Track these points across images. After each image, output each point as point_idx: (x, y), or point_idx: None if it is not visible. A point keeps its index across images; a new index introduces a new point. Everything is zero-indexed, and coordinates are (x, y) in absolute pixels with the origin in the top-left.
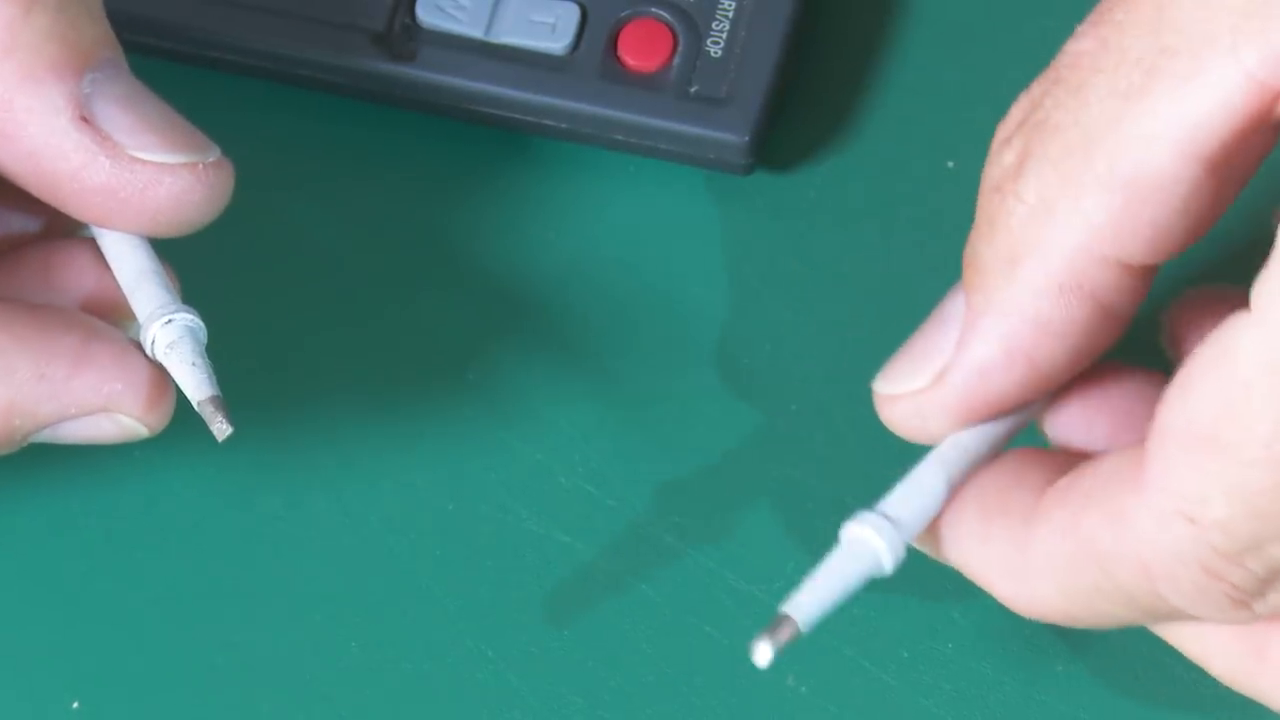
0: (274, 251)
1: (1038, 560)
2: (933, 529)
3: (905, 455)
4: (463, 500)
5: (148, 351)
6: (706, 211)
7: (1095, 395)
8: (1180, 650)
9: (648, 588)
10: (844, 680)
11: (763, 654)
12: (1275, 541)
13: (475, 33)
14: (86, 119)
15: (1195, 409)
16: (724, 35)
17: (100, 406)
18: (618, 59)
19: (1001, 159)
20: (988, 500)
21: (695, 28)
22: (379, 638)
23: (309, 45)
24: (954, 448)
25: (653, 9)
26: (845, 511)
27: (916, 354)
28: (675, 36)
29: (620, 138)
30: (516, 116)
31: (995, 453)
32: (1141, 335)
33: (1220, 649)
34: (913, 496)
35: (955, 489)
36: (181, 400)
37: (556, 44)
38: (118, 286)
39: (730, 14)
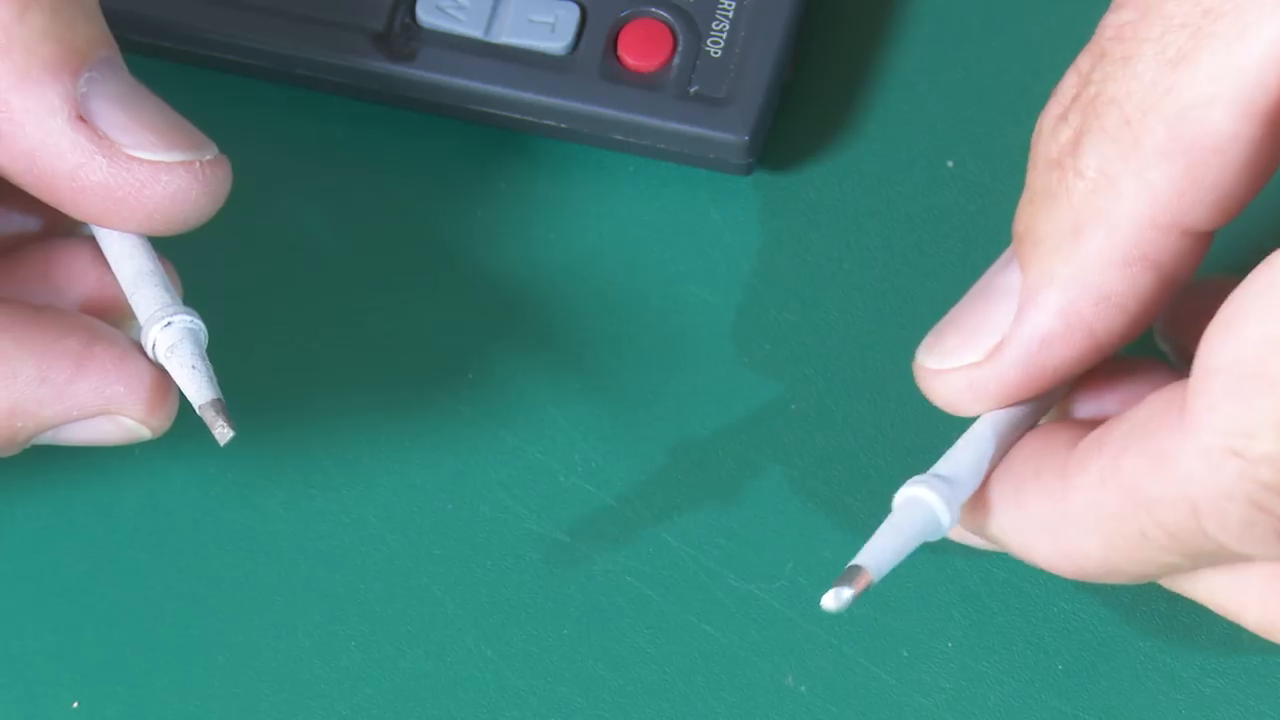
0: (273, 251)
1: (1078, 513)
2: (978, 503)
3: (905, 454)
4: (463, 500)
5: (148, 354)
6: (706, 211)
7: (1114, 378)
8: (1211, 604)
9: (648, 588)
10: (844, 680)
11: (836, 601)
12: None
13: (475, 33)
14: (83, 118)
15: (1240, 344)
16: (724, 35)
17: (102, 409)
18: (618, 59)
19: (1058, 135)
20: (1018, 469)
21: (695, 28)
22: (379, 638)
23: (309, 45)
24: (995, 419)
25: (653, 9)
26: (846, 511)
27: (968, 328)
28: (675, 36)
29: (620, 138)
30: (516, 116)
31: (1030, 427)
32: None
33: (1257, 597)
34: (963, 460)
35: (997, 459)
36: (182, 400)
37: (556, 44)
38: (119, 286)
39: (730, 14)
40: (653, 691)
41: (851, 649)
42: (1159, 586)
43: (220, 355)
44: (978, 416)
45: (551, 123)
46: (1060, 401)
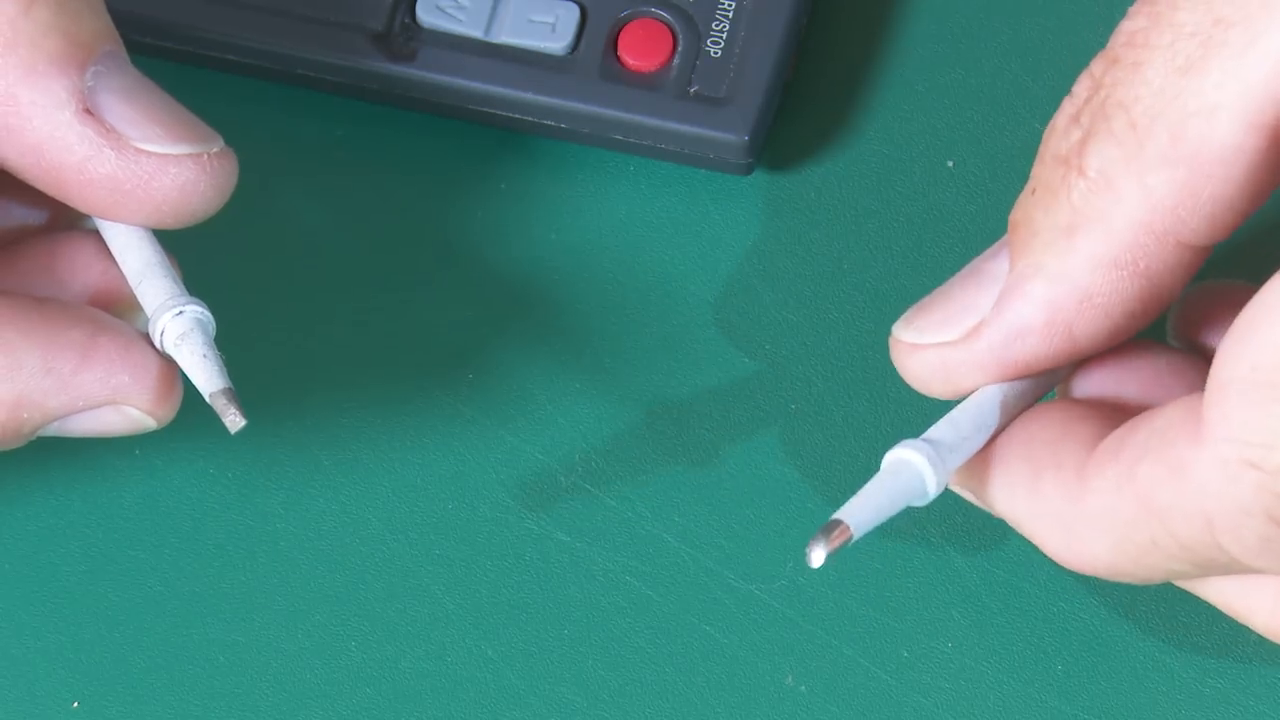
0: (273, 251)
1: (1091, 515)
2: (978, 474)
3: None
4: (463, 500)
5: (156, 344)
6: (706, 211)
7: (1123, 361)
8: (1220, 605)
9: (648, 588)
10: (844, 680)
11: (817, 557)
12: None
13: (475, 33)
14: (90, 112)
15: (1258, 355)
16: (724, 35)
17: (108, 399)
18: (618, 59)
19: (1069, 135)
20: (1037, 452)
21: (695, 28)
22: (379, 638)
23: (309, 45)
24: (1000, 389)
25: (653, 9)
26: None
27: (950, 307)
28: (675, 36)
29: (620, 138)
30: (516, 116)
31: (1027, 407)
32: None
33: (1267, 602)
34: (960, 425)
35: (995, 431)
36: (184, 399)
37: (556, 44)
38: (123, 278)
39: (730, 14)
40: (653, 691)
41: (851, 649)
42: (1159, 586)
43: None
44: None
45: (551, 123)
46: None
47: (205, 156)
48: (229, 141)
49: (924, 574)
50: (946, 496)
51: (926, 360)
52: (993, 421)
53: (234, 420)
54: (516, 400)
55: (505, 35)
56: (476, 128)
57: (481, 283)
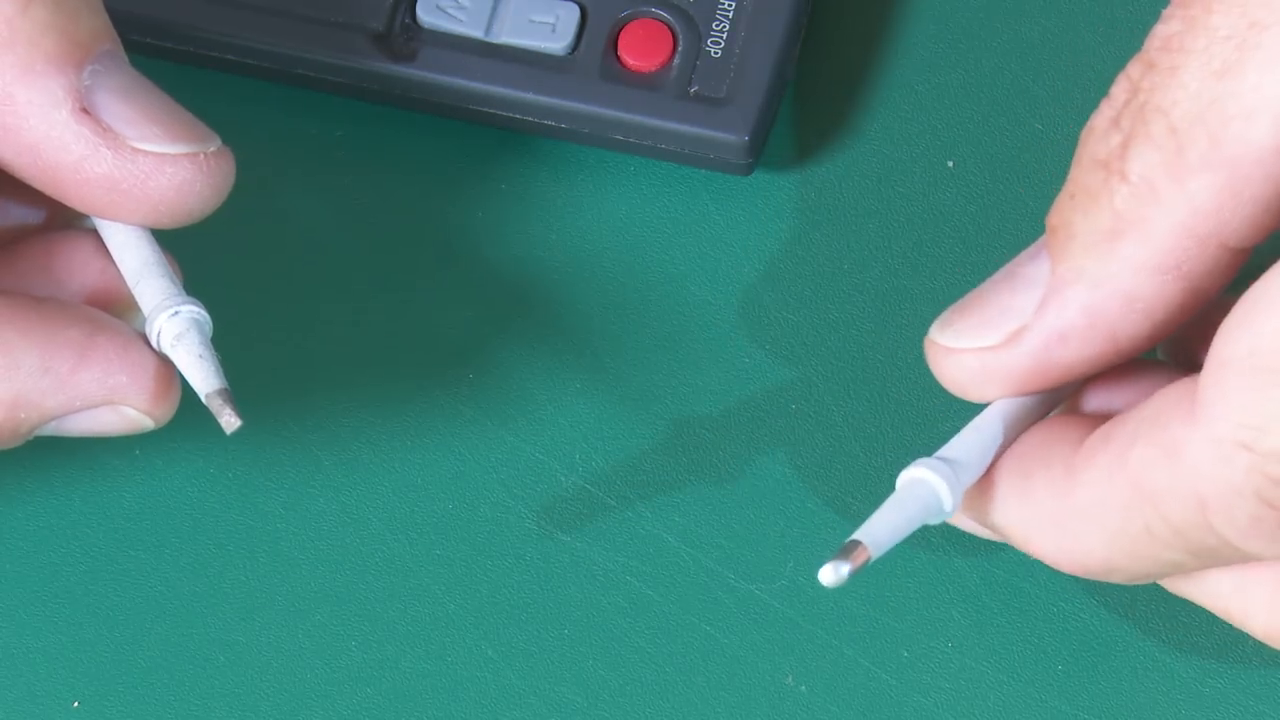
0: (273, 251)
1: (1083, 506)
2: (981, 493)
3: (905, 454)
4: (463, 500)
5: (153, 343)
6: (706, 211)
7: (1128, 374)
8: (1216, 608)
9: (648, 588)
10: (844, 680)
11: (834, 575)
12: None
13: (475, 33)
14: (87, 111)
15: (1257, 338)
16: (724, 35)
17: (105, 399)
18: (618, 59)
19: (1109, 139)
20: (1026, 457)
21: (695, 28)
22: (379, 638)
23: (309, 45)
24: (1005, 407)
25: (653, 9)
26: (846, 511)
27: (989, 310)
28: (675, 36)
29: (620, 138)
30: (516, 116)
31: (1039, 419)
32: None
33: (1264, 601)
34: (970, 445)
35: (1003, 448)
36: (184, 399)
37: (556, 44)
38: (121, 278)
39: (730, 14)
40: (653, 691)
41: (851, 649)
42: (1159, 586)
43: (221, 355)
44: (983, 405)
45: (552, 123)
46: (1070, 397)
47: (202, 156)
48: (229, 141)
49: (924, 574)
50: None
51: (965, 364)
52: (998, 441)
53: (229, 421)
54: (516, 400)
55: (505, 35)
56: (476, 128)
57: (481, 283)
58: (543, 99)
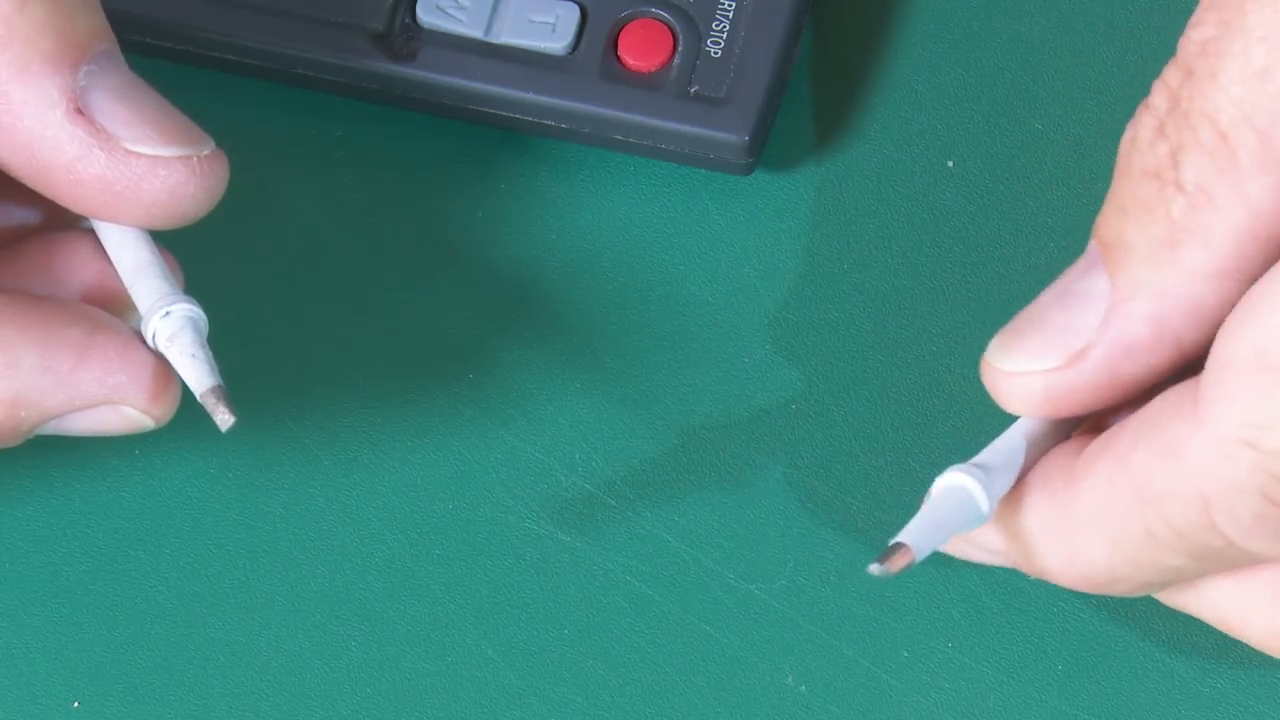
0: (273, 251)
1: (1084, 515)
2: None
3: (905, 454)
4: (463, 500)
5: (150, 343)
6: (706, 211)
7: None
8: (1215, 618)
9: (648, 588)
10: (844, 680)
11: (882, 573)
12: None
13: (475, 33)
14: (81, 111)
15: (1261, 338)
16: (724, 35)
17: (105, 398)
18: (618, 59)
19: (1156, 148)
20: (1025, 478)
21: (695, 28)
22: (379, 638)
23: (309, 45)
24: (1029, 425)
25: (653, 9)
26: (846, 511)
27: (1048, 331)
28: (675, 36)
29: (620, 138)
30: (516, 116)
31: (1062, 439)
32: None
33: (1263, 609)
34: (1001, 452)
35: (1027, 467)
36: (184, 398)
37: (556, 44)
38: (119, 278)
39: (730, 14)
40: (653, 691)
41: (851, 649)
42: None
43: (220, 355)
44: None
45: (551, 123)
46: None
47: (195, 159)
48: (230, 141)
49: (924, 574)
50: None
51: (1030, 387)
52: (1022, 456)
53: (224, 418)
54: (516, 400)
55: (505, 35)
56: (476, 128)
57: (481, 283)
58: (543, 99)
